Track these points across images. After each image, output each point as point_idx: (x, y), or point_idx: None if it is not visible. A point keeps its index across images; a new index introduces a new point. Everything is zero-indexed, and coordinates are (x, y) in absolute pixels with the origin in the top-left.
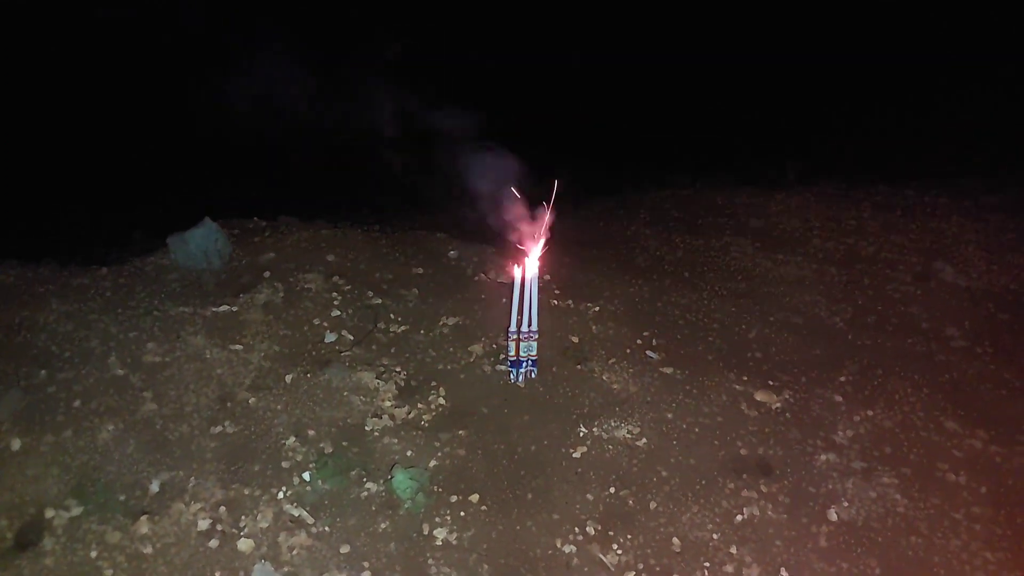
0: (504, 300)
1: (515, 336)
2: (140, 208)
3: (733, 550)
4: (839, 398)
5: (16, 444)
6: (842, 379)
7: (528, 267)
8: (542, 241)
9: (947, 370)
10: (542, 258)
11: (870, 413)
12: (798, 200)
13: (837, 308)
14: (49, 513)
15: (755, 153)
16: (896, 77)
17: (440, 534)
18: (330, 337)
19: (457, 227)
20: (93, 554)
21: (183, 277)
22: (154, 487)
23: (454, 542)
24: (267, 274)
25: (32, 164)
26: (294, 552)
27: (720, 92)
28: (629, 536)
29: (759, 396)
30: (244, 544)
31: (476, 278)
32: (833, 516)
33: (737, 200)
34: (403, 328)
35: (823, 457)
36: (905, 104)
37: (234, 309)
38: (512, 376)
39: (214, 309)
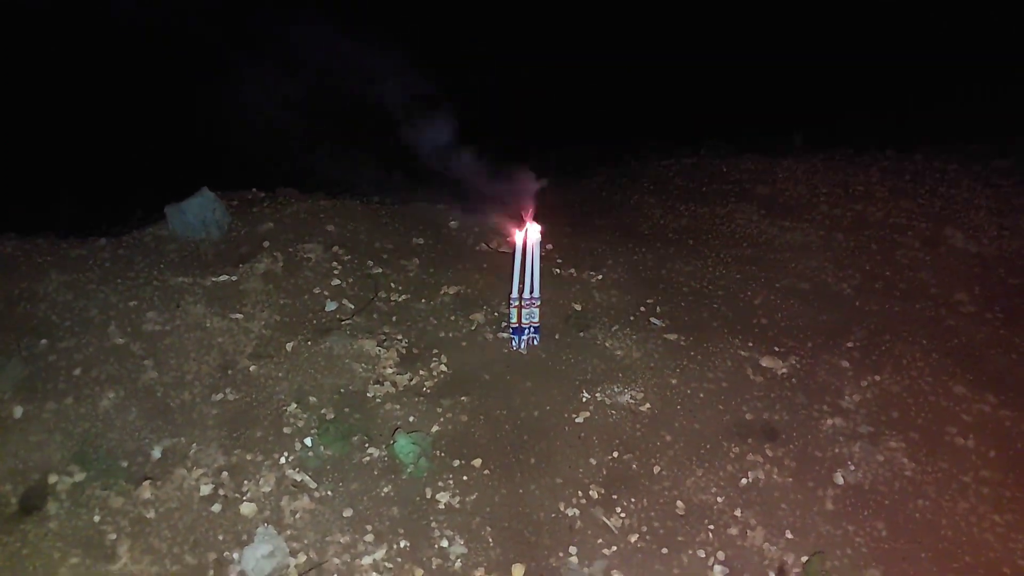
0: (506, 270)
1: (517, 303)
2: (141, 180)
3: (738, 513)
4: (846, 363)
5: (18, 412)
6: (849, 345)
7: (529, 234)
8: (534, 207)
9: (956, 335)
10: (543, 227)
11: (877, 378)
12: (805, 166)
13: (844, 274)
14: (52, 479)
15: (761, 122)
16: (903, 50)
17: (443, 498)
18: (331, 306)
19: (458, 197)
20: (96, 518)
21: (182, 247)
22: (156, 453)
23: (457, 506)
24: (266, 244)
25: (31, 140)
26: (297, 516)
27: (724, 61)
28: (632, 500)
29: (765, 362)
30: (247, 508)
31: (477, 248)
32: (839, 480)
33: (742, 167)
34: (404, 297)
35: (829, 422)
36: (913, 69)
37: (234, 278)
38: (514, 343)
39: (214, 279)
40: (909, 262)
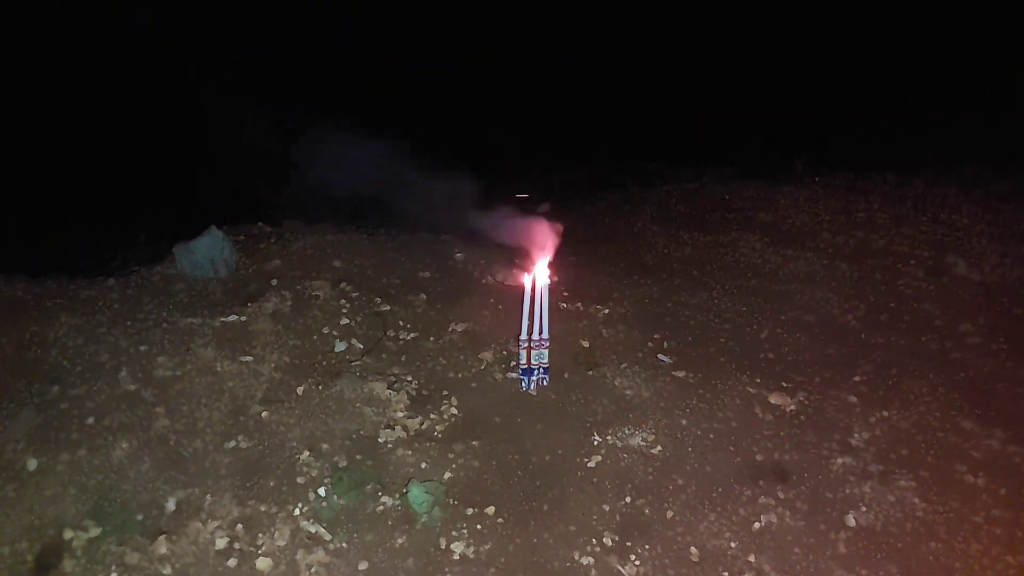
0: (512, 304)
1: (526, 344)
2: (144, 214)
3: (751, 559)
4: (854, 399)
5: (32, 464)
6: (856, 379)
7: (538, 275)
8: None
9: (962, 368)
10: (550, 261)
11: (885, 414)
12: (806, 193)
13: (849, 305)
14: (68, 534)
15: (760, 147)
16: (898, 69)
17: (458, 548)
18: (340, 346)
19: (461, 228)
20: None
21: (190, 287)
22: (170, 505)
23: (472, 556)
24: (274, 282)
25: (36, 173)
26: (312, 570)
27: (723, 86)
28: (647, 546)
29: (773, 399)
30: (262, 563)
31: (483, 281)
32: (851, 522)
33: (744, 194)
34: (412, 335)
35: (839, 461)
36: (908, 94)
37: (243, 319)
38: (524, 384)
39: (223, 319)
40: (913, 292)
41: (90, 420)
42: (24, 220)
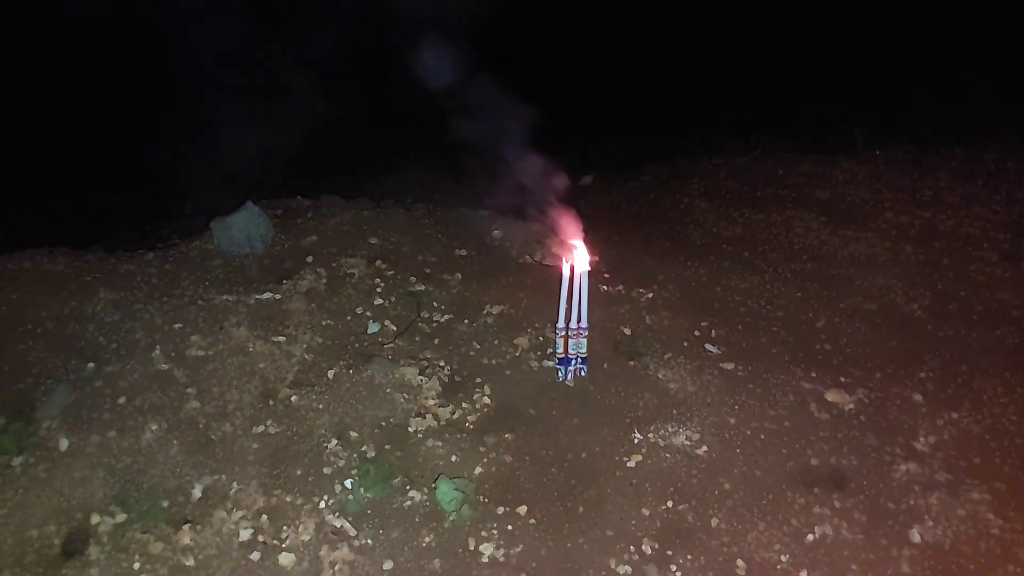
0: (550, 286)
1: (563, 333)
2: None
3: (804, 574)
4: (919, 397)
5: (64, 444)
6: (922, 375)
7: (577, 261)
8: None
9: None
10: (588, 231)
11: (955, 416)
12: (867, 168)
13: (915, 293)
14: (95, 519)
15: (817, 117)
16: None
17: (487, 550)
18: (373, 327)
19: (500, 201)
20: (136, 565)
21: (227, 263)
22: (196, 492)
23: (501, 559)
24: (310, 259)
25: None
26: (336, 568)
27: (778, 51)
28: (689, 556)
29: (830, 396)
30: (285, 559)
31: (521, 260)
32: (916, 537)
33: (799, 169)
34: (446, 317)
35: (903, 467)
36: (976, 59)
37: (277, 296)
38: (560, 374)
39: (257, 297)
40: (986, 279)
41: (122, 400)
42: (77, 191)
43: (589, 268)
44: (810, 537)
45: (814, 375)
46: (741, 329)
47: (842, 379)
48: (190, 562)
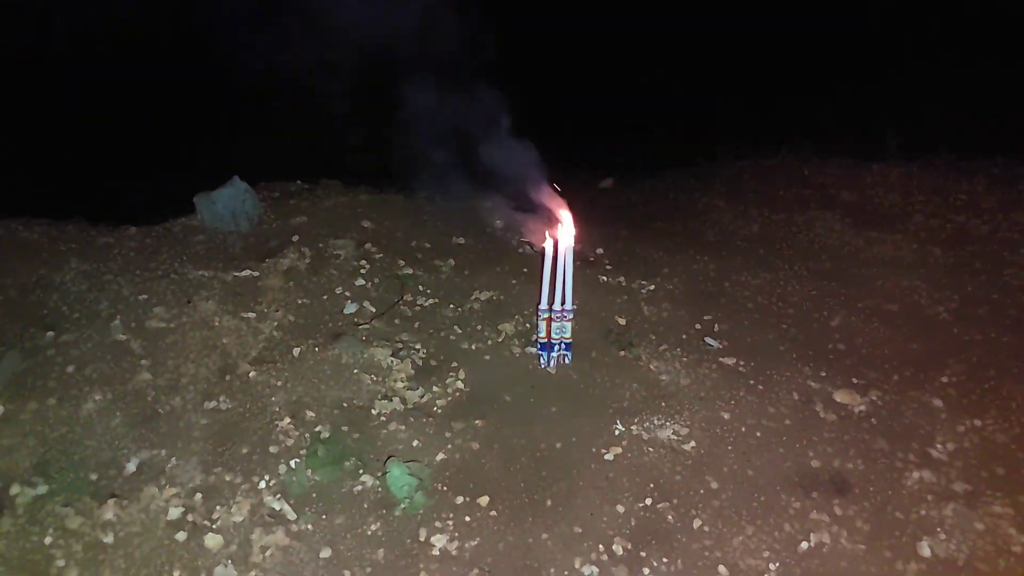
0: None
1: (546, 315)
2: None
3: None
4: (939, 403)
5: None
6: (944, 380)
7: (561, 237)
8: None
9: None
10: (583, 229)
11: (978, 423)
12: (899, 171)
13: (941, 295)
14: (14, 489)
15: (848, 122)
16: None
17: (439, 542)
18: (350, 308)
19: (512, 193)
20: (48, 540)
21: (210, 239)
22: (130, 466)
23: (454, 552)
24: (295, 238)
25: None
26: (267, 553)
27: (808, 52)
28: (664, 559)
29: (839, 396)
30: (211, 540)
31: (520, 250)
32: (926, 551)
33: (826, 171)
34: (431, 301)
35: (916, 475)
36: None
37: (255, 274)
38: (542, 361)
39: (235, 273)
40: (1020, 284)
41: (71, 368)
42: (89, 168)
43: (574, 243)
44: (804, 545)
45: (823, 374)
46: (747, 324)
47: (854, 380)
48: (108, 539)
